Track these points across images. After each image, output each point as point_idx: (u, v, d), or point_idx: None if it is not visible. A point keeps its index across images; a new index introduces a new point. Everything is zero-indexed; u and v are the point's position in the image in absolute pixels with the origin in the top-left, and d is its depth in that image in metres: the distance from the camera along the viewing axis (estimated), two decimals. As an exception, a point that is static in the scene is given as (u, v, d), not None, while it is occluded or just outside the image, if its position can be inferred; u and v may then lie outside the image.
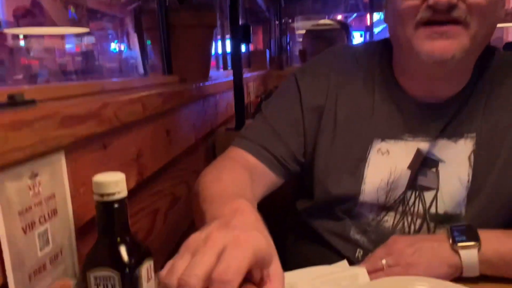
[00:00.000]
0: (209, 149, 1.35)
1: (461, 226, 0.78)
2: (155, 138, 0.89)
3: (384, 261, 0.78)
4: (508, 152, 0.83)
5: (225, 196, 0.72)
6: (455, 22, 0.75)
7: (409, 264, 0.76)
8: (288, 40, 5.35)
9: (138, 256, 0.55)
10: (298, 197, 1.03)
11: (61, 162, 0.54)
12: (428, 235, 0.85)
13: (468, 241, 0.75)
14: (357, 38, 6.57)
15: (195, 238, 0.48)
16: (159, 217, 0.92)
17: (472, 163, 0.84)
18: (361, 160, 0.89)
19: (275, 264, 0.49)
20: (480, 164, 0.84)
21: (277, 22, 4.80)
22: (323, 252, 0.93)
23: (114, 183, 0.53)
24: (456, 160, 0.85)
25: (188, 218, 1.13)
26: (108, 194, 0.53)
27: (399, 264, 0.77)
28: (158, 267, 0.59)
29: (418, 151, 0.87)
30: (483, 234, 0.75)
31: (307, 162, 0.96)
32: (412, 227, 0.87)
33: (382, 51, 0.93)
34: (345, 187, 0.90)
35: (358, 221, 0.91)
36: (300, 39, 5.72)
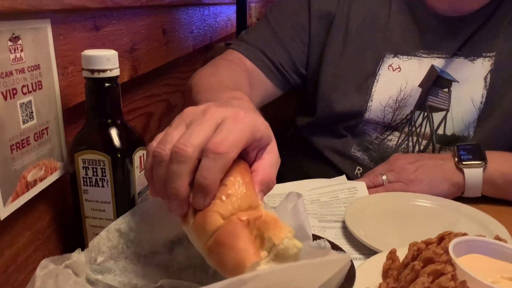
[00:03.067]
0: (208, 62, 1.29)
1: (468, 145, 0.75)
2: (151, 34, 0.82)
3: (384, 177, 0.76)
4: None
5: (222, 87, 0.68)
6: None
7: (411, 181, 0.74)
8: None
9: (131, 142, 0.51)
10: (300, 113, 0.99)
11: (46, 31, 0.48)
12: (432, 154, 0.82)
13: (474, 160, 0.72)
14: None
15: (191, 110, 0.43)
16: (153, 120, 0.88)
17: (487, 84, 0.80)
18: (371, 75, 0.84)
19: (273, 144, 0.45)
20: (496, 85, 0.80)
21: None
22: (321, 167, 0.91)
23: (106, 58, 0.48)
24: (471, 80, 0.81)
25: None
26: (99, 71, 0.48)
27: (400, 180, 0.75)
28: None
29: (432, 68, 0.82)
30: (490, 154, 0.73)
31: (310, 75, 0.90)
32: (417, 147, 0.84)
33: None
34: (350, 103, 0.85)
35: (361, 139, 0.87)
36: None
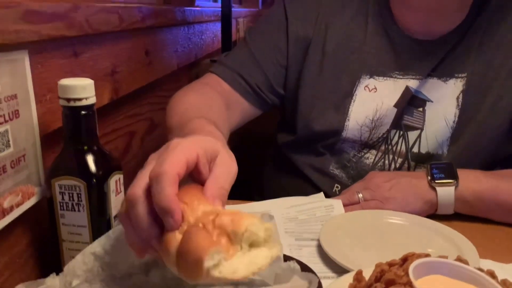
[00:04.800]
0: (192, 79, 1.30)
1: (441, 164, 0.77)
2: (133, 56, 0.84)
3: (360, 195, 0.78)
4: (497, 91, 0.81)
5: (185, 118, 0.71)
6: None
7: (385, 198, 0.76)
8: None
9: (106, 167, 0.53)
10: (280, 131, 1.01)
11: (24, 62, 0.49)
12: (407, 172, 0.84)
13: (446, 179, 0.74)
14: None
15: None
16: (135, 140, 0.89)
17: (460, 104, 0.83)
18: (348, 96, 0.87)
19: (222, 155, 0.47)
20: (468, 104, 0.82)
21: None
22: (300, 184, 0.92)
23: (82, 87, 0.50)
24: (444, 100, 0.83)
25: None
26: (75, 99, 0.50)
27: (375, 198, 0.77)
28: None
29: (407, 89, 0.85)
30: (461, 172, 0.75)
31: (289, 95, 0.93)
32: (393, 165, 0.87)
33: None
34: (328, 122, 0.88)
35: (339, 157, 0.90)
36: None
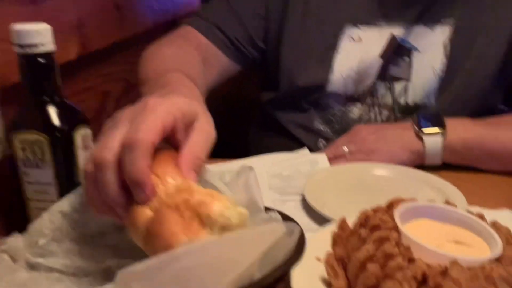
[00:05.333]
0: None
1: (428, 113, 0.75)
2: (102, 9, 0.79)
3: (345, 148, 0.75)
4: (485, 39, 0.78)
5: (161, 70, 0.67)
6: None
7: (371, 151, 0.73)
8: None
9: (71, 121, 0.49)
10: (263, 89, 0.97)
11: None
12: (393, 123, 0.81)
13: (434, 127, 0.72)
14: None
15: (109, 121, 0.44)
16: (110, 101, 0.85)
17: (447, 51, 0.79)
18: (331, 47, 0.83)
19: (201, 120, 0.44)
20: (456, 52, 0.79)
21: None
22: (285, 142, 0.90)
23: (37, 32, 0.46)
24: (431, 49, 0.80)
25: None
26: (30, 45, 0.46)
27: (361, 151, 0.74)
28: None
29: (393, 38, 0.81)
30: (449, 121, 0.73)
31: (270, 49, 0.89)
32: (379, 118, 0.84)
33: None
34: (312, 76, 0.84)
35: (323, 112, 0.87)
36: None
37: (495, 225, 0.42)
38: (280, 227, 0.39)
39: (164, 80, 0.62)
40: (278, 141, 0.92)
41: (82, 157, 0.50)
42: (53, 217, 0.46)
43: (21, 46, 0.45)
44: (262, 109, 0.96)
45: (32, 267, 0.44)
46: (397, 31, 0.81)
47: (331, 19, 0.83)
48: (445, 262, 0.36)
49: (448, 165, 0.74)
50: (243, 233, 0.37)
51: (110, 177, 0.38)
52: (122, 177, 0.39)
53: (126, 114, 0.42)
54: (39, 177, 0.48)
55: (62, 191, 0.49)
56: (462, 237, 0.41)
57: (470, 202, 0.60)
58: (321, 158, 0.75)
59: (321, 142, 0.87)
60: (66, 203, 0.47)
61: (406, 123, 0.76)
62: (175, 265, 0.33)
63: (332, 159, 0.75)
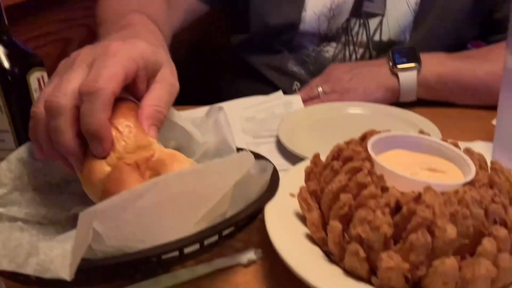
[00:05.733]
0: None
1: (403, 48, 0.73)
2: None
3: (320, 89, 0.74)
4: None
5: (122, 10, 0.63)
6: None
7: (346, 90, 0.72)
8: None
9: (23, 63, 0.46)
10: (233, 31, 0.93)
11: None
12: (368, 61, 0.80)
13: (408, 63, 0.70)
14: None
15: (64, 61, 0.40)
16: (71, 48, 0.80)
17: None
18: None
19: (164, 70, 0.41)
20: None
21: None
22: (259, 87, 0.87)
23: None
24: None
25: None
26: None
27: (336, 91, 0.73)
28: None
29: None
30: (424, 56, 0.71)
31: None
32: (354, 56, 0.82)
33: None
34: (284, 14, 0.81)
35: (297, 53, 0.84)
36: None
37: (468, 151, 0.42)
38: (248, 157, 0.37)
39: (125, 21, 0.58)
40: (251, 85, 0.89)
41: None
42: (11, 165, 0.43)
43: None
44: (233, 53, 0.93)
45: (-8, 217, 0.42)
46: None
47: None
48: (418, 189, 0.35)
49: (423, 102, 0.73)
50: (209, 165, 0.35)
51: (65, 125, 0.36)
52: (77, 126, 0.36)
53: (84, 56, 0.39)
54: (-7, 124, 0.45)
55: (20, 139, 0.46)
56: (436, 164, 0.41)
57: (445, 136, 0.60)
58: (295, 100, 0.73)
59: (296, 85, 0.85)
60: (25, 151, 0.44)
61: (381, 60, 0.74)
62: (138, 203, 0.32)
63: (306, 100, 0.73)
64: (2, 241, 0.32)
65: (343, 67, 0.75)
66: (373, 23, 0.80)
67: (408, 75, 0.70)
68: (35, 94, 0.47)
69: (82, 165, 0.38)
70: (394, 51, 0.72)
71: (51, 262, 0.31)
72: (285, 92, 0.80)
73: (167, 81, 0.41)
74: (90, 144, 0.37)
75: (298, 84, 0.84)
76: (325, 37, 0.82)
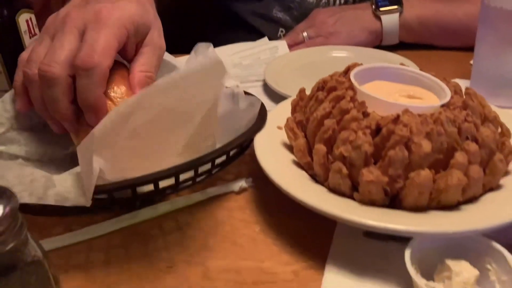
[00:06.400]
0: None
1: None
2: None
3: (305, 33, 0.75)
4: None
5: None
6: None
7: (331, 34, 0.73)
8: None
9: (11, 4, 0.46)
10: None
11: None
12: (352, 5, 0.81)
13: (390, 5, 0.72)
14: None
15: (52, 20, 0.40)
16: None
17: None
18: None
19: (151, 32, 0.42)
20: None
21: None
22: (245, 35, 0.88)
23: None
24: None
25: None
26: None
27: (320, 35, 0.74)
28: None
29: None
30: None
31: None
32: (337, 1, 0.83)
33: None
34: None
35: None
36: None
37: (445, 79, 0.44)
38: (220, 66, 0.38)
39: None
40: (237, 34, 0.90)
41: (28, 43, 0.48)
42: (7, 106, 0.45)
43: None
44: (218, 2, 0.92)
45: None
46: None
47: None
48: (398, 112, 0.37)
49: (405, 46, 0.75)
50: (182, 75, 0.36)
51: (61, 95, 0.37)
52: (72, 94, 0.38)
53: (74, 20, 0.38)
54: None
55: (12, 79, 0.47)
56: (414, 92, 0.43)
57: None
58: (280, 45, 0.75)
59: (281, 31, 0.85)
60: (19, 92, 0.45)
61: (364, 3, 0.75)
62: (128, 125, 0.34)
63: (292, 46, 0.75)
64: (16, 177, 0.34)
65: (327, 11, 0.76)
66: None
67: (390, 18, 0.71)
68: (25, 36, 0.47)
69: (77, 129, 0.40)
70: None
71: (69, 192, 0.34)
72: (270, 39, 0.81)
73: (155, 44, 0.42)
74: (86, 115, 0.38)
75: (283, 31, 0.85)
76: None
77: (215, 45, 0.83)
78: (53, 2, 0.70)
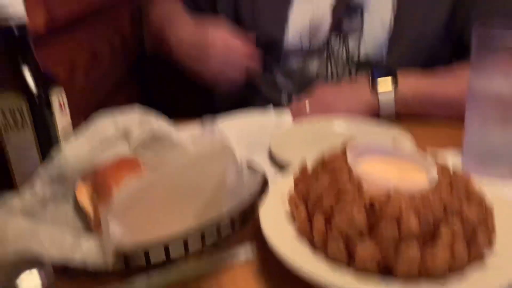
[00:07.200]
0: (135, 9, 1.26)
1: (381, 68, 0.81)
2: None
3: (307, 107, 0.81)
4: (428, 3, 0.86)
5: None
6: None
7: (330, 107, 0.79)
8: None
9: (46, 84, 0.52)
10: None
11: None
12: (351, 81, 0.87)
13: (386, 83, 0.78)
14: None
15: None
16: (78, 73, 0.86)
17: (394, 7, 0.86)
18: (285, 4, 0.89)
19: None
20: (402, 7, 0.85)
21: None
22: (251, 96, 0.96)
23: (10, 3, 0.48)
24: (379, 4, 0.87)
25: (112, 77, 1.08)
26: (5, 18, 0.48)
27: (321, 109, 0.80)
28: (80, 122, 0.57)
29: None
30: (401, 75, 0.79)
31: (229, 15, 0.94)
32: (335, 71, 0.90)
33: None
34: (269, 33, 0.90)
35: (284, 67, 0.93)
36: None
37: (434, 155, 0.49)
38: (228, 149, 0.43)
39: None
40: (244, 94, 0.97)
41: (59, 119, 0.53)
42: (48, 171, 0.50)
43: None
44: None
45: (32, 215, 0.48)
46: None
47: None
48: (389, 189, 0.42)
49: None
50: (196, 153, 0.40)
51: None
52: None
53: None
54: (20, 140, 0.51)
55: (44, 154, 0.52)
56: (405, 168, 0.48)
57: (420, 142, 0.68)
58: (284, 116, 0.81)
59: (284, 96, 0.92)
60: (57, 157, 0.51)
61: (363, 78, 0.82)
62: (147, 198, 0.38)
63: (295, 116, 0.81)
64: (48, 237, 0.38)
65: (328, 89, 0.83)
66: (352, 40, 0.88)
67: (386, 96, 0.78)
68: (56, 112, 0.53)
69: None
70: (374, 69, 0.80)
71: (92, 255, 0.38)
72: (274, 103, 0.88)
73: None
74: None
75: (286, 96, 0.93)
76: (308, 53, 0.90)
77: (221, 107, 0.90)
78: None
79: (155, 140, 0.57)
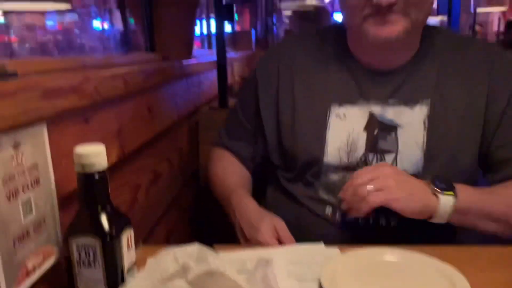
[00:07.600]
0: (193, 127, 1.37)
1: (439, 176, 0.83)
2: (137, 114, 0.90)
3: (369, 187, 0.80)
4: (460, 125, 0.90)
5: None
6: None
7: (391, 195, 0.79)
8: (274, 20, 5.31)
9: (118, 225, 0.58)
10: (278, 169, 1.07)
11: (43, 133, 0.55)
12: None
13: (447, 190, 0.81)
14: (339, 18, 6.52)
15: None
16: (140, 192, 0.94)
17: (426, 127, 0.90)
18: (323, 125, 0.95)
19: None
20: (434, 127, 0.90)
21: (263, 2, 4.76)
22: (298, 211, 0.99)
23: (95, 154, 0.55)
24: (412, 124, 0.91)
25: (169, 194, 1.15)
26: (89, 165, 0.55)
27: (382, 188, 0.80)
28: (139, 239, 0.62)
29: (371, 114, 0.93)
30: (459, 186, 0.82)
31: (273, 144, 1.03)
32: None
33: (338, 30, 0.99)
34: (309, 153, 0.95)
35: (325, 183, 0.96)
36: (287, 20, 5.67)
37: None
38: None
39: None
40: (292, 209, 1.00)
41: (126, 256, 0.58)
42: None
43: (81, 166, 0.55)
44: (279, 184, 1.05)
45: None
46: (374, 108, 0.92)
47: (318, 102, 0.96)
48: None
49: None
50: None
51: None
52: None
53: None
54: (91, 275, 0.56)
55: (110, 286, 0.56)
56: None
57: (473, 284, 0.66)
58: (333, 252, 0.82)
59: (328, 209, 0.95)
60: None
61: (424, 182, 0.83)
62: None
63: (350, 206, 0.83)
64: None
65: (394, 168, 0.85)
66: (388, 158, 0.91)
67: (446, 199, 0.80)
68: (124, 250, 0.58)
69: None
70: (434, 178, 0.82)
71: None
72: (318, 216, 0.93)
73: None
74: None
75: (330, 209, 0.95)
76: (347, 168, 0.94)
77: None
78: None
79: (210, 277, 0.59)
